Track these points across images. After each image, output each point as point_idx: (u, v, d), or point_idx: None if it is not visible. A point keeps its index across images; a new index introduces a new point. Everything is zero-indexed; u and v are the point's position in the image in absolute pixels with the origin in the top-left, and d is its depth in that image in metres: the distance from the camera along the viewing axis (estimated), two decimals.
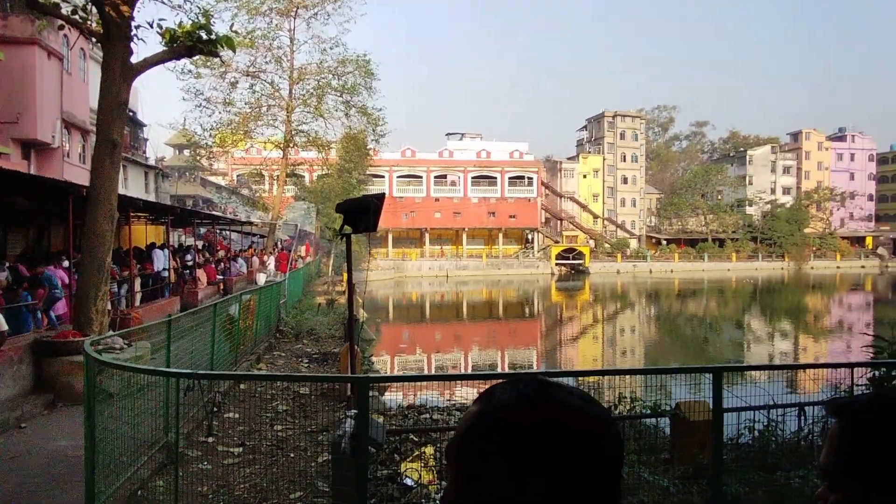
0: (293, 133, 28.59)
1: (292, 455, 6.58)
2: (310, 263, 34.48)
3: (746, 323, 32.92)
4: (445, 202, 66.06)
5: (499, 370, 20.04)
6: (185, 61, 21.60)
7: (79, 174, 21.56)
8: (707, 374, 4.44)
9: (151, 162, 38.65)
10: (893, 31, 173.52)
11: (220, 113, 27.27)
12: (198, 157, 32.76)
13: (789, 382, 7.05)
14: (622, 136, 75.06)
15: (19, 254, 14.76)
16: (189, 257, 20.72)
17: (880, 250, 74.77)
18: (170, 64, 11.45)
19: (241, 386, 8.68)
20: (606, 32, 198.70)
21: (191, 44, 9.51)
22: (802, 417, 5.58)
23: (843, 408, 0.83)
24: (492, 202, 66.92)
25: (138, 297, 15.22)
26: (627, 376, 6.02)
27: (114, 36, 8.95)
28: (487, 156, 67.88)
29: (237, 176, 50.29)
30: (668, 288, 52.06)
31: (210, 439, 6.87)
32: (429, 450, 6.08)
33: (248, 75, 27.18)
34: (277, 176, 30.29)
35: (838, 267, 69.50)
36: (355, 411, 4.10)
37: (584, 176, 74.06)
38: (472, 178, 66.82)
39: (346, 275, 7.53)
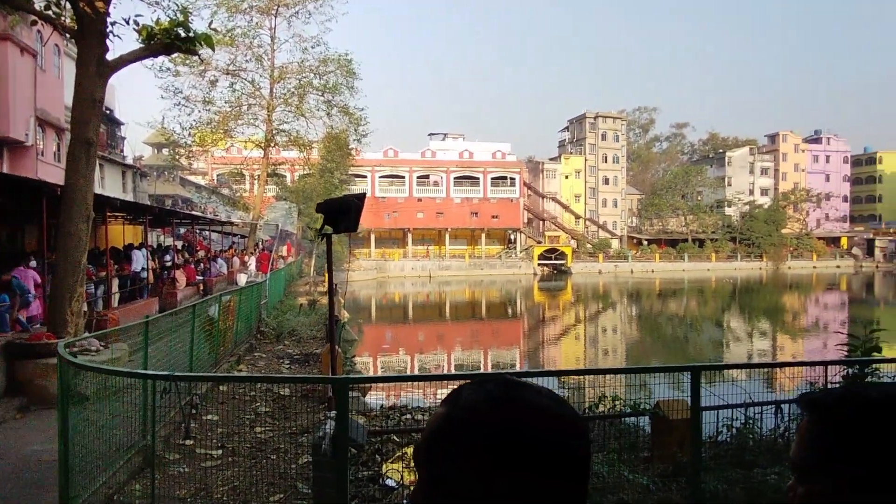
0: (274, 132, 28.37)
1: (273, 457, 6.52)
2: (291, 264, 34.23)
3: (726, 322, 33.38)
4: (428, 202, 66.02)
5: (481, 370, 20.07)
6: (163, 59, 21.34)
7: (54, 173, 21.16)
8: (685, 372, 4.48)
9: (129, 161, 38.06)
10: (868, 36, 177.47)
11: (199, 111, 26.99)
12: (177, 157, 32.37)
13: (767, 381, 7.15)
14: (603, 137, 75.68)
15: None
16: (168, 258, 20.44)
17: (855, 250, 76.36)
18: (148, 61, 11.28)
19: (221, 388, 8.58)
20: (588, 34, 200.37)
21: (168, 41, 9.37)
22: (779, 415, 5.66)
23: (814, 402, 0.83)
24: (474, 202, 67.03)
25: (116, 298, 14.97)
26: (609, 375, 6.05)
27: (88, 32, 8.79)
28: (470, 156, 67.98)
29: (217, 175, 49.72)
30: (649, 288, 52.60)
31: (188, 442, 6.78)
32: (411, 451, 6.05)
33: (228, 74, 26.90)
34: (258, 175, 30.04)
35: (814, 267, 70.84)
36: (335, 412, 4.07)
37: (566, 177, 74.53)
38: (455, 178, 66.87)
39: (327, 275, 7.48)
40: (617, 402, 6.07)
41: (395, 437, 6.96)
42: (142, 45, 9.52)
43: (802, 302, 44.32)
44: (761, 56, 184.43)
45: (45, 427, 7.02)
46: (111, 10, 9.04)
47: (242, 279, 24.18)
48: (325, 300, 21.56)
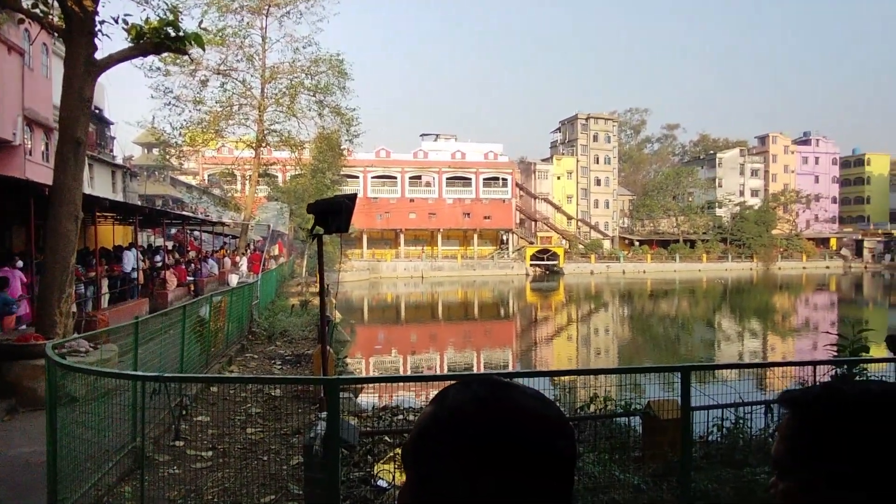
0: (266, 132, 28.27)
1: (264, 458, 6.49)
2: (283, 264, 34.11)
3: (717, 323, 33.58)
4: (420, 203, 65.99)
5: (473, 371, 20.08)
6: (153, 58, 21.23)
7: (42, 173, 20.96)
8: (676, 372, 4.50)
9: (119, 161, 37.79)
10: (857, 39, 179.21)
11: (190, 111, 26.86)
12: (167, 157, 32.17)
13: (757, 381, 7.20)
14: (595, 139, 75.95)
15: None
16: (159, 258, 20.31)
17: (844, 251, 77.08)
18: (137, 61, 11.22)
19: (212, 389, 8.53)
20: (580, 35, 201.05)
21: (158, 41, 9.30)
22: (769, 415, 5.69)
23: (795, 399, 0.84)
24: (467, 203, 67.08)
25: (105, 298, 14.86)
26: (600, 376, 6.06)
27: (77, 31, 8.72)
28: (462, 157, 68.03)
29: (208, 175, 49.50)
30: (640, 288, 52.83)
31: (179, 443, 6.73)
32: None
33: (219, 73, 26.78)
34: (250, 176, 29.93)
35: (804, 267, 71.41)
36: (327, 413, 4.05)
37: (558, 177, 74.75)
38: (447, 178, 66.89)
39: (318, 276, 7.46)
40: (608, 403, 6.08)
41: (387, 438, 6.95)
42: (131, 45, 9.45)
43: (792, 302, 44.66)
44: (752, 58, 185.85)
45: (33, 429, 6.95)
46: (100, 8, 8.98)
47: (234, 280, 24.06)
48: (316, 301, 21.49)
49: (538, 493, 0.69)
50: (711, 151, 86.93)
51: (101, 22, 9.06)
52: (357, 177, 60.49)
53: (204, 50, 13.35)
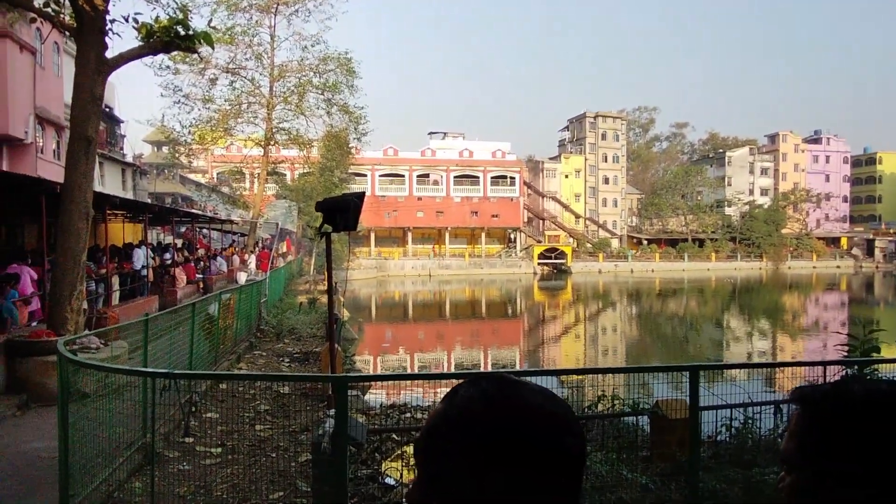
0: (274, 131, 28.32)
1: (273, 455, 6.52)
2: (291, 262, 34.21)
3: (726, 322, 33.39)
4: (428, 201, 66.00)
5: (481, 369, 20.08)
6: (162, 57, 21.32)
7: (53, 170, 21.15)
8: (684, 372, 4.49)
9: (129, 159, 38.00)
10: (867, 37, 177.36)
11: (199, 110, 26.91)
12: (177, 155, 32.32)
13: (766, 381, 7.16)
14: (603, 137, 75.65)
15: None
16: (168, 256, 20.43)
17: (854, 251, 76.39)
18: (147, 59, 11.29)
19: (221, 386, 8.58)
20: (588, 33, 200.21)
21: (168, 39, 9.35)
22: (778, 415, 5.66)
23: (804, 396, 0.85)
24: (474, 201, 67.02)
25: (116, 295, 14.97)
26: (608, 375, 6.05)
27: (87, 30, 8.78)
28: (470, 155, 67.95)
29: (217, 174, 49.69)
30: (649, 287, 52.61)
31: (188, 440, 6.78)
32: (410, 449, 6.06)
33: (227, 72, 26.85)
34: (258, 174, 30.01)
35: (814, 267, 70.86)
36: (335, 410, 4.07)
37: (566, 176, 74.52)
38: (455, 177, 66.85)
39: (327, 274, 7.49)
40: (616, 402, 6.07)
41: (394, 436, 6.97)
42: (141, 43, 9.51)
43: (802, 302, 44.33)
44: (761, 56, 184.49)
45: (45, 425, 7.02)
46: (110, 7, 9.04)
47: (242, 277, 24.17)
48: (324, 299, 21.55)
49: (546, 490, 0.69)
50: (721, 150, 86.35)
51: (112, 21, 9.13)
52: (365, 175, 60.57)
53: (213, 48, 13.41)
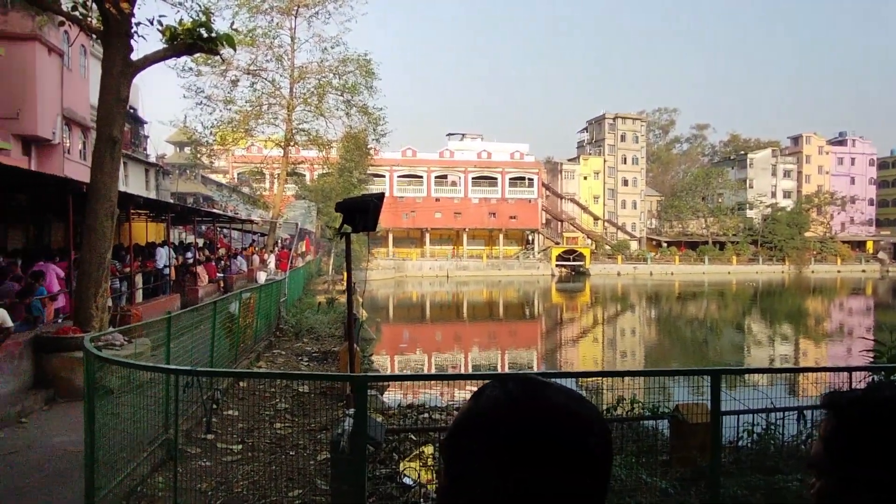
0: (294, 131, 28.58)
1: (292, 453, 6.58)
2: (310, 262, 34.46)
3: (747, 326, 32.91)
4: (446, 202, 66.06)
5: (498, 371, 20.04)
6: (185, 59, 21.65)
7: (79, 170, 21.56)
8: (705, 376, 4.44)
9: (152, 159, 38.63)
10: (893, 36, 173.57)
11: (220, 111, 27.26)
12: (198, 155, 32.74)
13: (789, 386, 7.05)
14: (623, 138, 75.07)
15: (19, 250, 14.73)
16: (190, 255, 20.71)
17: (881, 255, 74.82)
18: (170, 61, 11.46)
19: (241, 384, 8.68)
20: (608, 34, 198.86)
21: (191, 42, 9.50)
22: (802, 421, 5.57)
23: (833, 401, 0.85)
24: (492, 203, 66.92)
25: (139, 293, 15.21)
26: (627, 378, 6.00)
27: (114, 32, 8.95)
28: (488, 156, 67.88)
29: (238, 174, 50.28)
30: (668, 290, 52.06)
31: (210, 436, 6.87)
32: (428, 449, 6.07)
33: (248, 73, 27.16)
34: (278, 174, 30.29)
35: (839, 271, 69.52)
36: (354, 410, 4.10)
37: (585, 177, 74.07)
38: (473, 178, 66.83)
39: (346, 274, 7.53)
40: (635, 405, 6.02)
41: (412, 436, 6.99)
42: (165, 46, 9.67)
43: (826, 306, 43.53)
44: (784, 56, 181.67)
45: (71, 419, 7.17)
46: (136, 10, 9.21)
47: (262, 277, 24.39)
48: (343, 298, 21.69)
49: (571, 490, 0.69)
50: (742, 152, 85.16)
51: (137, 24, 9.29)
52: (383, 176, 60.82)
53: (235, 50, 13.57)
